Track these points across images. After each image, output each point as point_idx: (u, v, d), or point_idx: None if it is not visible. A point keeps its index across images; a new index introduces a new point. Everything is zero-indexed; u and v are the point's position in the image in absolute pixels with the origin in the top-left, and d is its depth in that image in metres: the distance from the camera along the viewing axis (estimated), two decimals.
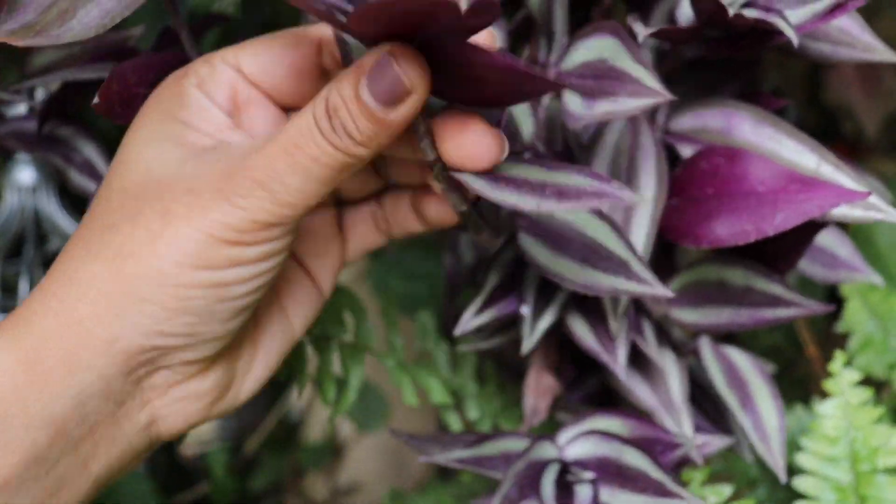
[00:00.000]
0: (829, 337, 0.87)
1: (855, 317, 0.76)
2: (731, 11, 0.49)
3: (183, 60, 0.53)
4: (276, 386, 0.87)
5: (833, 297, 0.80)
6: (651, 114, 0.59)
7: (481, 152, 0.43)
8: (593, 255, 0.50)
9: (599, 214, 0.51)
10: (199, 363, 0.46)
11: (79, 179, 0.63)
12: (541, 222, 0.51)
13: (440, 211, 0.50)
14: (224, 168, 0.43)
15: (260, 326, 0.49)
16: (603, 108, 0.50)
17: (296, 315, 0.51)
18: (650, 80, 0.48)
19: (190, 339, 0.44)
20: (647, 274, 0.49)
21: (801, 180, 0.51)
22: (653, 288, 0.49)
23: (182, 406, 0.47)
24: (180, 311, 0.43)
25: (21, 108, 0.66)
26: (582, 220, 0.51)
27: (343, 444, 1.23)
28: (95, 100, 0.50)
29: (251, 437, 1.16)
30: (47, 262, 1.05)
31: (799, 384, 0.86)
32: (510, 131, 0.52)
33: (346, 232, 0.53)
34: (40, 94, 0.68)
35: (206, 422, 0.49)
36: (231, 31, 1.21)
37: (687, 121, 0.58)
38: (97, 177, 0.62)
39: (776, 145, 0.55)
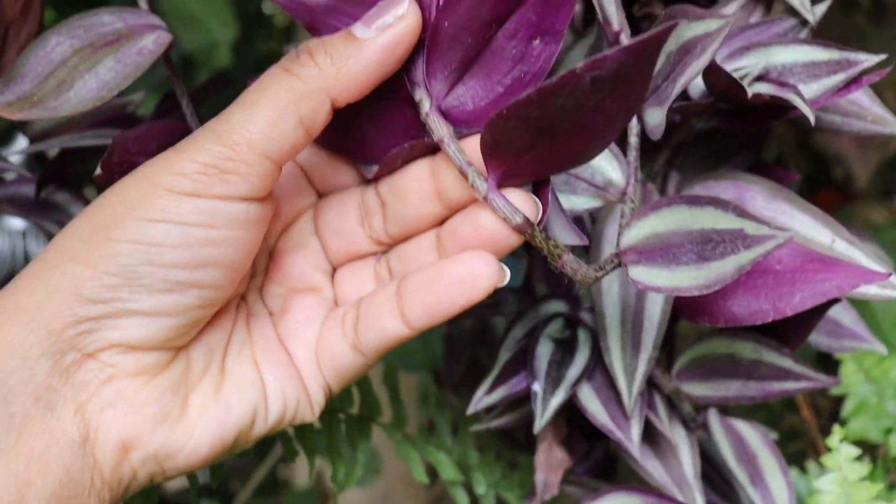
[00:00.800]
0: (823, 394, 0.87)
1: (849, 380, 0.75)
2: (749, 90, 0.49)
3: (184, 128, 0.53)
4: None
5: (822, 358, 0.79)
6: (661, 185, 0.58)
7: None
8: (707, 246, 0.44)
9: (693, 201, 0.45)
10: (131, 355, 0.41)
11: None
12: (649, 245, 0.46)
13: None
14: None
15: (226, 370, 0.45)
16: (681, 81, 0.48)
17: (271, 376, 0.46)
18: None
19: (115, 305, 0.40)
20: (763, 228, 0.43)
21: (820, 259, 0.50)
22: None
23: (116, 416, 0.41)
24: (103, 271, 0.40)
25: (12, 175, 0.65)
26: (686, 218, 0.45)
27: (331, 491, 1.22)
28: (97, 171, 0.49)
29: (242, 486, 1.15)
30: None
31: (789, 437, 0.86)
32: None
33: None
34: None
35: (152, 451, 0.42)
36: (224, 77, 1.21)
37: (698, 192, 0.57)
38: None
39: (790, 220, 0.54)
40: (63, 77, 0.47)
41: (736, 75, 0.53)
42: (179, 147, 0.41)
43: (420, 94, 0.43)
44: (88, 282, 0.40)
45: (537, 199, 0.42)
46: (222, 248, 0.41)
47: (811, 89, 0.52)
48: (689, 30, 0.45)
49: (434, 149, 0.43)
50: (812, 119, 0.49)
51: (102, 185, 0.48)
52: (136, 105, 0.64)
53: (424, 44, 0.42)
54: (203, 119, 0.53)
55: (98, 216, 0.41)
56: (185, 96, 0.53)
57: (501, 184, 0.41)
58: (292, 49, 0.42)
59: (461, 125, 0.43)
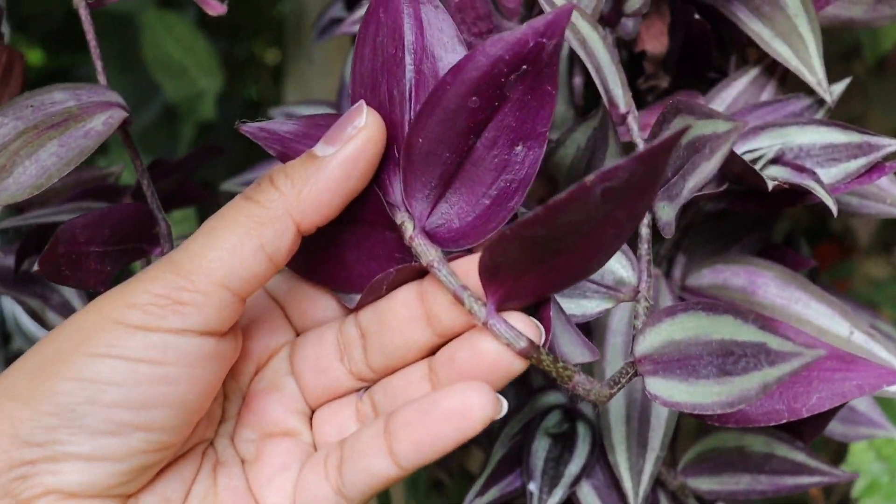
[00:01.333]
0: None
1: (860, 458, 0.73)
2: (767, 178, 0.46)
3: (144, 212, 0.50)
4: None
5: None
6: (667, 269, 0.56)
7: None
8: (727, 359, 0.40)
9: (710, 308, 0.41)
10: (71, 503, 0.37)
11: (56, 322, 0.58)
12: (666, 354, 0.42)
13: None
14: None
15: None
16: (690, 184, 0.44)
17: None
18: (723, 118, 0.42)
19: (53, 448, 0.36)
20: (787, 345, 0.39)
21: (840, 357, 0.47)
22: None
23: None
24: (42, 411, 0.36)
25: None
26: (704, 325, 0.42)
27: None
28: (35, 266, 0.45)
29: None
30: (10, 360, 1.00)
31: None
32: None
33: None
34: None
35: None
36: (206, 131, 1.18)
37: (706, 277, 0.54)
38: None
39: (804, 309, 0.51)
40: (3, 162, 0.44)
41: (749, 157, 0.50)
42: (136, 277, 0.38)
43: (401, 217, 0.40)
44: (26, 422, 0.36)
45: (539, 324, 0.39)
46: (173, 386, 0.37)
47: (830, 174, 0.49)
48: (697, 127, 0.42)
49: (422, 272, 0.40)
50: (835, 210, 0.46)
51: (46, 278, 0.46)
52: (117, 176, 0.61)
53: (399, 163, 0.39)
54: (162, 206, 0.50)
55: (45, 351, 0.38)
56: (144, 175, 0.50)
57: (501, 307, 0.38)
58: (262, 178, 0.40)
59: (449, 244, 0.40)
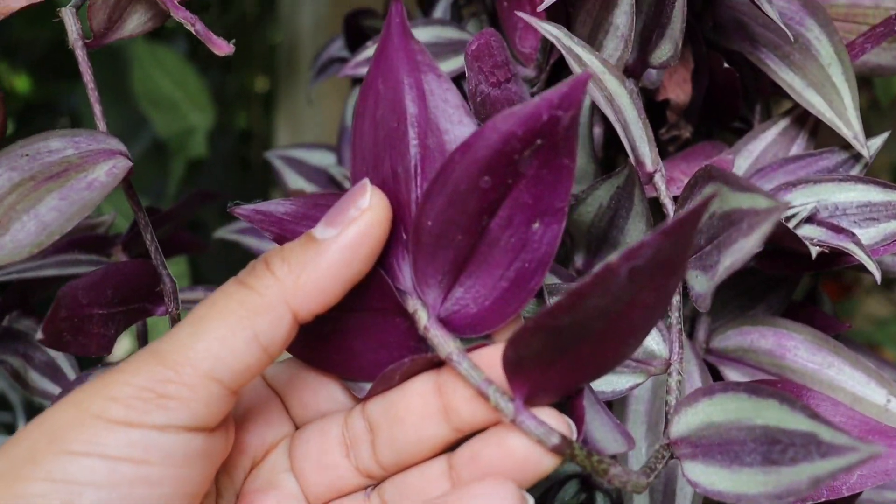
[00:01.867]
0: None
1: None
2: (808, 243, 0.43)
3: (147, 269, 0.46)
4: None
5: None
6: (689, 329, 0.53)
7: None
8: (774, 447, 0.37)
9: (753, 391, 0.39)
10: None
11: (40, 383, 0.55)
12: (705, 437, 0.39)
13: None
14: None
15: None
16: (725, 264, 0.39)
17: None
18: (763, 200, 0.37)
19: None
20: (842, 438, 0.35)
21: (881, 431, 0.44)
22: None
23: None
24: None
25: None
26: (746, 408, 0.39)
27: None
28: (39, 335, 0.42)
29: None
30: None
31: None
32: None
33: None
34: None
35: None
36: (197, 167, 1.16)
37: (732, 339, 0.51)
38: (59, 379, 0.55)
39: (838, 375, 0.49)
40: None
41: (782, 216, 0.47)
42: (117, 368, 0.35)
43: (413, 305, 0.37)
44: None
45: (570, 421, 0.36)
46: (157, 488, 0.34)
47: (868, 234, 0.46)
48: (733, 199, 0.39)
49: (438, 362, 0.37)
50: (878, 276, 0.44)
51: (49, 347, 0.43)
52: (108, 226, 0.58)
53: (408, 246, 0.37)
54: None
55: (17, 449, 0.34)
56: (147, 229, 0.46)
57: (529, 401, 0.35)
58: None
59: (466, 331, 0.37)
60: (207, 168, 1.10)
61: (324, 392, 0.40)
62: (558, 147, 0.34)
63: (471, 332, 0.37)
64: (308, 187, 0.66)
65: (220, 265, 1.04)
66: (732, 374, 0.50)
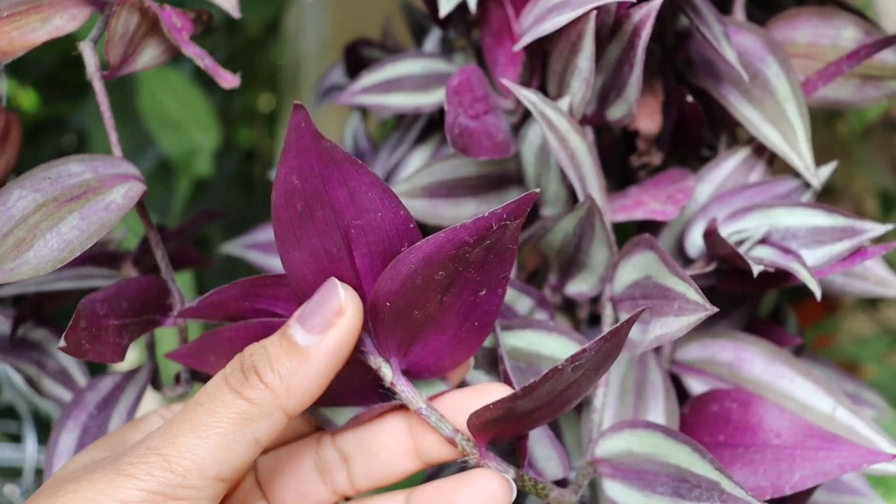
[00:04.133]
0: None
1: None
2: (752, 262, 0.48)
3: (159, 285, 0.50)
4: None
5: None
6: None
7: None
8: (683, 485, 0.44)
9: (670, 434, 0.46)
10: None
11: (53, 389, 0.59)
12: (624, 463, 0.47)
13: None
14: (131, 448, 0.39)
15: None
16: (655, 332, 0.46)
17: None
18: (693, 294, 0.44)
19: None
20: (740, 492, 0.42)
21: (821, 436, 0.48)
22: None
23: None
24: None
25: None
26: (662, 447, 0.46)
27: None
28: (62, 343, 0.45)
29: None
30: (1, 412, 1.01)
31: None
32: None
33: None
34: None
35: None
36: (202, 185, 1.19)
37: (694, 351, 0.55)
38: (72, 386, 0.59)
39: (790, 385, 0.53)
40: (23, 235, 0.44)
41: (737, 238, 0.51)
42: (121, 466, 0.38)
43: (376, 363, 0.41)
44: None
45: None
46: None
47: (815, 256, 0.51)
48: (668, 278, 0.46)
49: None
50: (818, 294, 0.48)
51: (70, 355, 0.46)
52: (119, 242, 0.62)
53: (367, 322, 0.41)
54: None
55: None
56: (159, 246, 0.51)
57: (489, 446, 0.41)
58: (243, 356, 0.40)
59: (425, 376, 0.42)
60: (212, 186, 1.13)
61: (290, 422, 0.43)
62: (504, 241, 0.38)
63: (429, 376, 0.42)
64: None
65: (223, 278, 1.08)
66: (694, 384, 0.55)
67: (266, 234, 0.69)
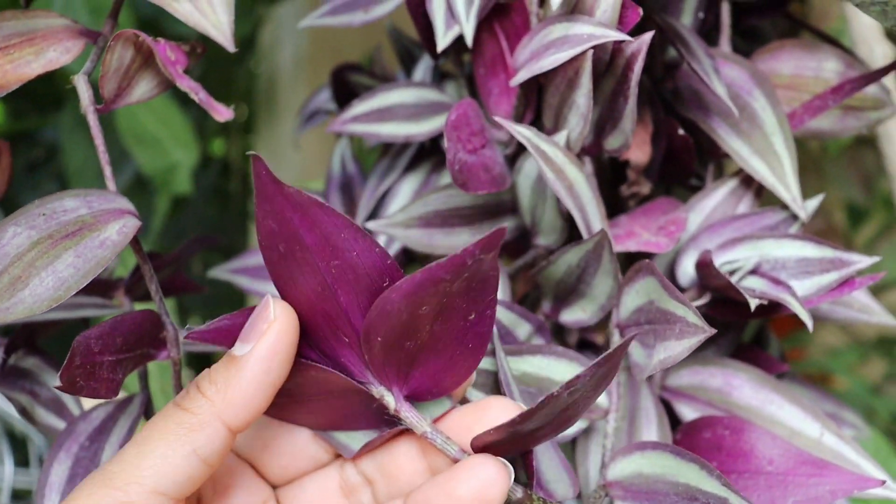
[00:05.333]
0: None
1: None
2: (747, 294, 0.49)
3: (153, 319, 0.51)
4: None
5: None
6: None
7: None
8: (692, 503, 0.46)
9: (678, 453, 0.47)
10: None
11: (46, 418, 0.58)
12: (635, 485, 0.48)
13: None
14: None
15: None
16: (659, 356, 0.48)
17: None
18: (692, 317, 0.46)
19: None
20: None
21: (813, 463, 0.49)
22: None
23: None
24: None
25: None
26: (671, 467, 0.47)
27: None
28: (57, 382, 0.45)
29: None
30: None
31: None
32: None
33: None
34: None
35: None
36: (181, 202, 1.19)
37: (685, 377, 0.56)
38: (66, 415, 0.59)
39: (777, 411, 0.54)
40: (18, 274, 0.43)
41: (728, 268, 0.53)
42: (72, 496, 0.38)
43: (378, 392, 0.42)
44: None
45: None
46: None
47: (804, 286, 0.52)
48: (669, 303, 0.47)
49: None
50: (810, 325, 0.49)
51: (68, 391, 0.46)
52: (111, 270, 0.62)
53: (360, 353, 0.41)
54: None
55: None
56: (153, 280, 0.51)
57: None
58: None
59: (428, 397, 0.43)
60: (190, 201, 1.13)
61: (302, 454, 0.44)
62: (483, 270, 0.39)
63: (432, 397, 0.43)
64: None
65: (206, 300, 1.07)
66: (685, 410, 0.56)
67: (254, 258, 0.69)
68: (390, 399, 0.42)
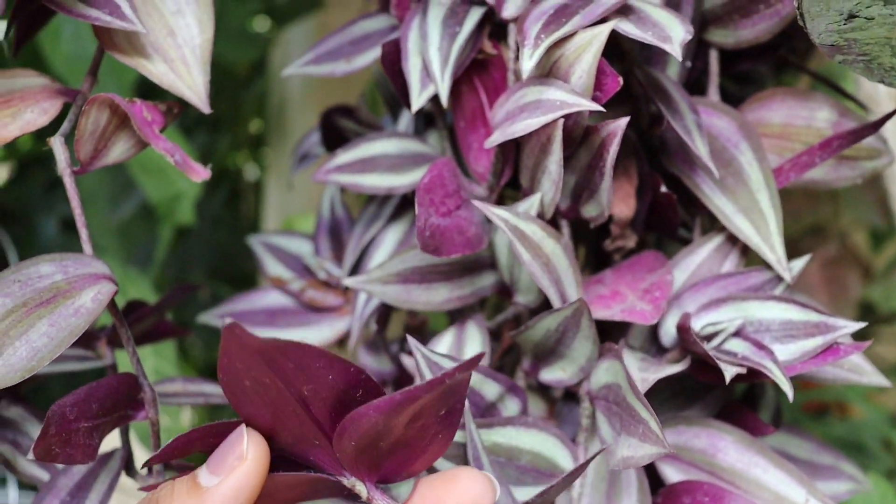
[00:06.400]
0: None
1: None
2: (724, 370, 0.48)
3: (129, 382, 0.50)
4: None
5: None
6: None
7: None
8: None
9: None
10: None
11: (28, 468, 0.58)
12: None
13: None
14: None
15: None
16: (623, 452, 0.48)
17: None
18: (654, 425, 0.45)
19: None
20: None
21: None
22: None
23: None
24: None
25: None
26: None
27: None
28: (30, 455, 0.45)
29: None
30: None
31: None
32: None
33: None
34: None
35: None
36: (186, 229, 1.19)
37: (669, 437, 0.55)
38: (49, 466, 0.58)
39: (763, 474, 0.53)
40: None
41: (711, 329, 0.52)
42: None
43: (351, 482, 0.41)
44: None
45: None
46: None
47: (788, 350, 0.51)
48: (634, 402, 0.47)
49: None
50: (790, 395, 0.48)
51: (43, 460, 0.45)
52: (94, 321, 0.62)
53: (336, 454, 0.41)
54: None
55: None
56: (130, 343, 0.50)
57: None
58: None
59: (398, 479, 0.42)
60: (196, 230, 1.13)
61: None
62: (457, 380, 0.38)
63: (401, 480, 0.42)
64: (285, 273, 0.70)
65: (205, 330, 1.07)
66: (669, 471, 0.54)
67: (242, 303, 0.69)
68: (362, 488, 0.41)
